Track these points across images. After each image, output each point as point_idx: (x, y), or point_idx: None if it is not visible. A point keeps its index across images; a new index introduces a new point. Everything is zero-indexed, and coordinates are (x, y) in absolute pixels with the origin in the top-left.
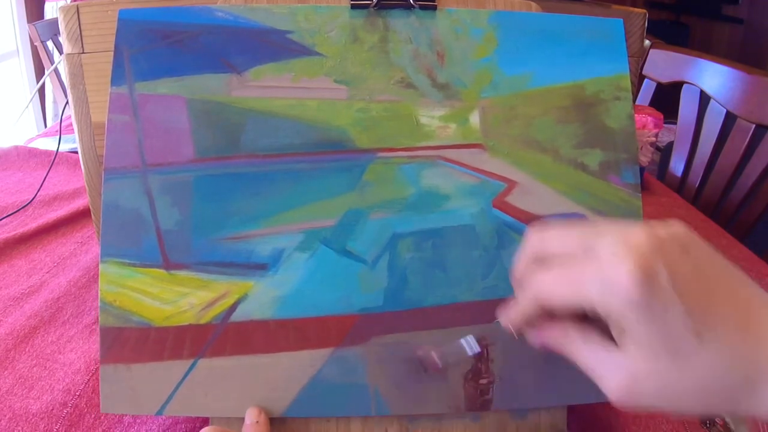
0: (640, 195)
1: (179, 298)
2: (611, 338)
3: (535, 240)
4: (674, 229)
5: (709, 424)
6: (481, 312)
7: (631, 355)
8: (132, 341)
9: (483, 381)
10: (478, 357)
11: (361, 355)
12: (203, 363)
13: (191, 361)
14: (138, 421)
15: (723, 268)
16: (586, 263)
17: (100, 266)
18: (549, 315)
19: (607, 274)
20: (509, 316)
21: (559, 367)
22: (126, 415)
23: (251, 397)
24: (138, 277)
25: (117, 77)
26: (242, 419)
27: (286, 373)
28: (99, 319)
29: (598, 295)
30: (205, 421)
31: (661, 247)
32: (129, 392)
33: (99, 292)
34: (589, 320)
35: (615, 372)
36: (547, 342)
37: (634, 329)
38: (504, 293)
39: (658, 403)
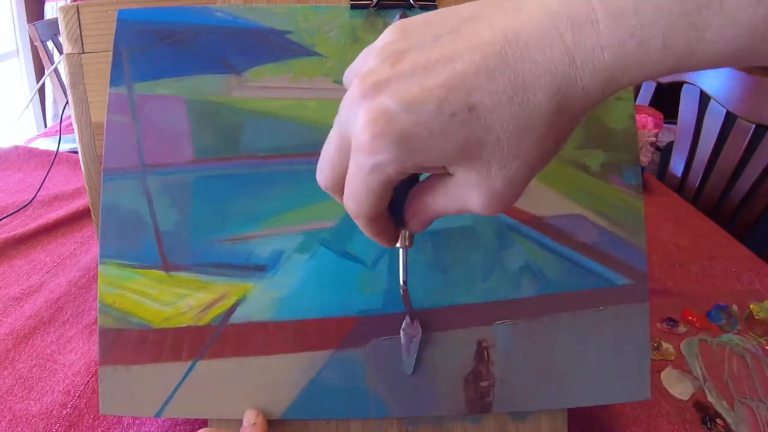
0: (642, 196)
1: (178, 300)
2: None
3: (320, 179)
4: (380, 41)
5: (710, 424)
6: (481, 314)
7: (459, 169)
8: (131, 343)
9: (483, 383)
10: (479, 359)
11: (360, 357)
12: (202, 365)
13: (190, 362)
14: (137, 422)
15: (449, 13)
16: (350, 162)
17: (99, 267)
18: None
19: (360, 154)
20: (381, 242)
21: (559, 369)
22: (125, 417)
23: (250, 399)
24: (137, 279)
25: (116, 77)
26: (241, 421)
27: (285, 375)
28: (98, 320)
29: (378, 174)
30: (204, 423)
31: (371, 82)
32: (128, 394)
33: (98, 293)
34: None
35: (468, 190)
36: (423, 218)
37: (428, 161)
38: (504, 295)
39: (518, 179)
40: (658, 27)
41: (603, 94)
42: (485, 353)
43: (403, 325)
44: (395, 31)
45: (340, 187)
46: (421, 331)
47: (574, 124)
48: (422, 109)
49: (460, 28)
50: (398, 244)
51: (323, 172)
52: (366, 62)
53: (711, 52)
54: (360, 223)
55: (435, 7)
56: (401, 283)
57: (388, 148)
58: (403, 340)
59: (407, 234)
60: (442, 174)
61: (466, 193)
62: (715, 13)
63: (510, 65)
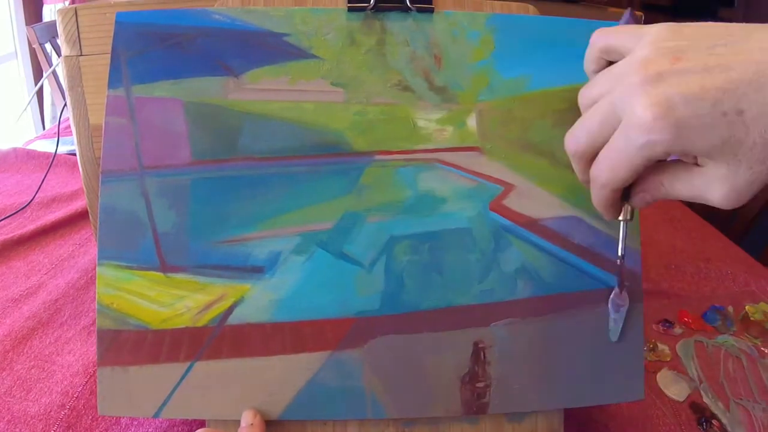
0: None
1: (176, 301)
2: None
3: (571, 144)
4: (654, 38)
5: (706, 425)
6: (478, 315)
7: (712, 162)
8: (129, 344)
9: (480, 384)
10: (475, 360)
11: (357, 359)
12: (200, 366)
13: (188, 363)
14: (135, 423)
15: (718, 31)
16: (617, 136)
17: (98, 269)
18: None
19: (636, 131)
20: (607, 215)
21: (555, 370)
22: (123, 417)
23: (247, 400)
24: (135, 280)
25: (114, 80)
26: (238, 422)
27: (283, 376)
28: (96, 321)
29: (646, 151)
30: (202, 423)
31: (654, 72)
32: (126, 395)
33: (96, 294)
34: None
35: (712, 182)
36: (650, 196)
37: (692, 148)
38: (501, 297)
39: (758, 181)
40: None
41: None
42: (482, 354)
43: (612, 296)
44: (667, 30)
45: (588, 155)
46: (628, 301)
47: None
48: (700, 105)
49: (734, 43)
50: (620, 217)
51: (579, 139)
52: (641, 50)
53: None
54: (602, 193)
55: (431, 11)
56: (620, 254)
57: (665, 130)
58: (610, 308)
59: (629, 208)
60: (688, 163)
61: (709, 184)
62: None
63: None
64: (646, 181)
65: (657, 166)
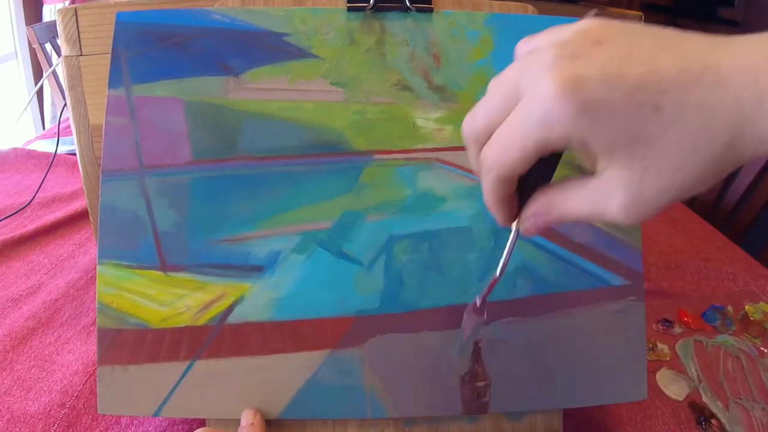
0: None
1: (176, 300)
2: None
3: (467, 128)
4: (579, 26)
5: (705, 424)
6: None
7: (615, 165)
8: (129, 343)
9: (480, 384)
10: (475, 359)
11: (357, 357)
12: (200, 365)
13: (188, 362)
14: (135, 422)
15: (651, 30)
16: (520, 108)
17: (98, 268)
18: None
19: (539, 104)
20: (497, 217)
21: (555, 369)
22: (123, 416)
23: (247, 399)
24: (135, 279)
25: (114, 80)
26: (238, 421)
27: (283, 375)
28: (97, 320)
29: (543, 130)
30: (202, 423)
31: (574, 49)
32: (126, 393)
33: (96, 293)
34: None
35: (612, 191)
36: (541, 220)
37: (593, 141)
38: (500, 295)
39: (667, 194)
40: None
41: None
42: (482, 353)
43: (469, 307)
44: (596, 21)
45: (483, 138)
46: (485, 318)
47: (735, 166)
48: (613, 89)
49: (665, 42)
50: (513, 225)
51: (476, 118)
52: (560, 35)
53: None
54: (488, 179)
55: (430, 10)
56: (498, 270)
57: (568, 107)
58: (465, 320)
59: (519, 229)
60: (580, 177)
61: (608, 194)
62: None
63: (704, 87)
64: (536, 203)
65: (552, 185)
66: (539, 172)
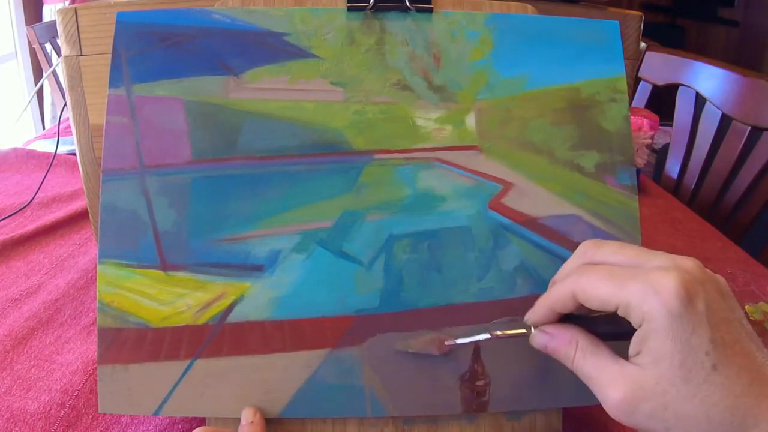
0: (637, 197)
1: (176, 299)
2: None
3: (591, 250)
4: (718, 276)
5: None
6: (477, 314)
7: (644, 368)
8: (129, 342)
9: (479, 383)
10: (475, 358)
11: (357, 357)
12: (200, 364)
13: (188, 361)
14: (135, 421)
15: (747, 327)
16: (635, 270)
17: (98, 267)
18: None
19: (654, 281)
20: (534, 310)
21: (555, 369)
22: (123, 416)
23: (247, 398)
24: (136, 278)
25: (114, 79)
26: (238, 420)
27: (282, 374)
28: (97, 319)
29: (638, 296)
30: (202, 422)
31: (705, 280)
32: (126, 392)
33: (97, 293)
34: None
35: (621, 382)
36: (552, 346)
37: (658, 339)
38: (500, 295)
39: (653, 425)
40: None
41: None
42: (481, 352)
43: (430, 336)
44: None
45: (593, 261)
46: (438, 354)
47: None
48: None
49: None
50: (524, 327)
51: (601, 247)
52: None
53: None
54: (564, 288)
55: (430, 10)
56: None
57: (669, 303)
58: (418, 347)
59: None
60: (614, 355)
61: (618, 383)
62: None
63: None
64: (567, 333)
65: (585, 333)
66: (597, 322)
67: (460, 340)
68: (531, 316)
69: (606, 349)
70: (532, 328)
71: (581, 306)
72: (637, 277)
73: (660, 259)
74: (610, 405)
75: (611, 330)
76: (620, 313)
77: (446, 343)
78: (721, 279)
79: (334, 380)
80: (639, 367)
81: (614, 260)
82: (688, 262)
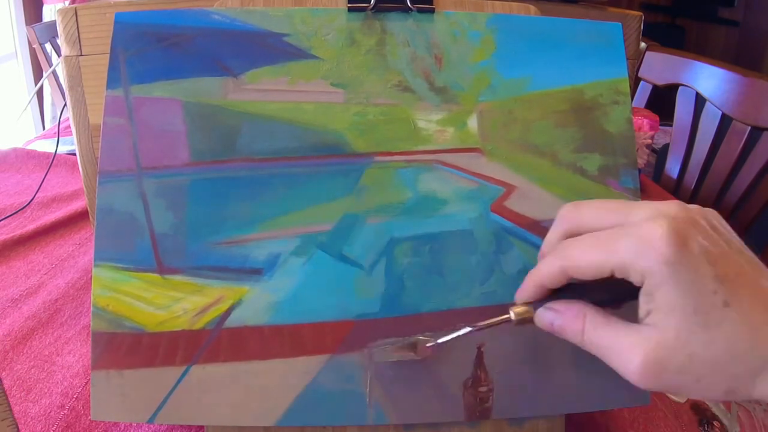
0: (640, 200)
1: (173, 303)
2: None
3: (571, 213)
4: (705, 210)
5: (707, 426)
6: (480, 318)
7: (659, 325)
8: (124, 347)
9: (482, 389)
10: (478, 364)
11: (357, 362)
12: (196, 369)
13: (184, 367)
14: (134, 425)
15: (747, 255)
16: (621, 229)
17: (93, 270)
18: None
19: (643, 235)
20: (523, 288)
21: (559, 374)
22: None
23: (245, 405)
24: (131, 282)
25: (112, 80)
26: (236, 428)
27: (281, 381)
28: (91, 324)
29: (631, 255)
30: (200, 429)
31: (694, 219)
32: (120, 399)
33: (92, 296)
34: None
35: (641, 346)
36: (558, 323)
37: (665, 290)
38: (503, 299)
39: (682, 381)
40: None
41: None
42: (484, 358)
43: (409, 342)
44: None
45: (576, 231)
46: (420, 359)
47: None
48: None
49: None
50: (512, 314)
51: (581, 211)
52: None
53: None
54: (552, 264)
55: (432, 11)
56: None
57: (666, 251)
58: (398, 356)
59: (524, 314)
60: (624, 321)
61: (639, 344)
62: None
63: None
64: (573, 308)
65: (587, 305)
66: (594, 291)
67: (441, 340)
68: (521, 294)
69: (615, 317)
70: (533, 309)
71: (571, 278)
72: (625, 236)
73: (643, 210)
74: (633, 371)
75: (608, 297)
76: (618, 275)
77: (427, 345)
78: (709, 211)
79: (334, 387)
80: (654, 327)
81: (597, 222)
82: (672, 206)
